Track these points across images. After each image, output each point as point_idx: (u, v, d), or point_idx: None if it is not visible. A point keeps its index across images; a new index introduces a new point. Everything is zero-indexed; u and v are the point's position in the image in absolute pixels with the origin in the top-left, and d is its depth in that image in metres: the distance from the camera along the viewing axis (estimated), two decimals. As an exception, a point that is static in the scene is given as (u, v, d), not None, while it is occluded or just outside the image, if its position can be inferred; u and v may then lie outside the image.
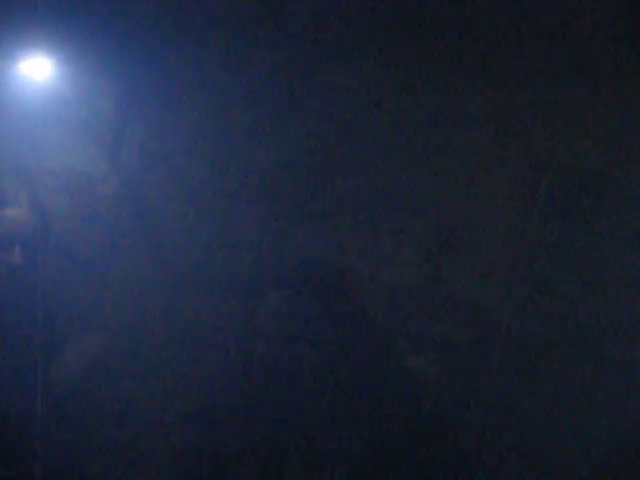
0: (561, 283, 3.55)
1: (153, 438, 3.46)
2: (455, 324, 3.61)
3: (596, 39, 3.57)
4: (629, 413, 3.41)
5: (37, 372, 3.46)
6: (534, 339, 3.54)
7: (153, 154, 3.60)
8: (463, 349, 3.58)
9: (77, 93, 3.53)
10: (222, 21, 3.55)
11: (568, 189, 3.56)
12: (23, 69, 3.50)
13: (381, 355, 3.58)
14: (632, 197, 3.52)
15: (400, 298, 3.62)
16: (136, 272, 3.58)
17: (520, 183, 3.61)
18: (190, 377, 3.54)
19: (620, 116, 3.52)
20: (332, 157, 3.63)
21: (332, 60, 3.60)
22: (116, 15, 3.51)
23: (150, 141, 3.60)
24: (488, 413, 3.53)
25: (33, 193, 3.55)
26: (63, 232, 3.56)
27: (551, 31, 3.58)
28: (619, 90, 3.51)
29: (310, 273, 3.59)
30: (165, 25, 3.50)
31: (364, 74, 3.61)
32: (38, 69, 3.49)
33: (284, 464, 3.41)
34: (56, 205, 3.55)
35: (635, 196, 3.52)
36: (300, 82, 3.61)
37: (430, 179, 3.63)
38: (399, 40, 3.58)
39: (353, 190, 3.63)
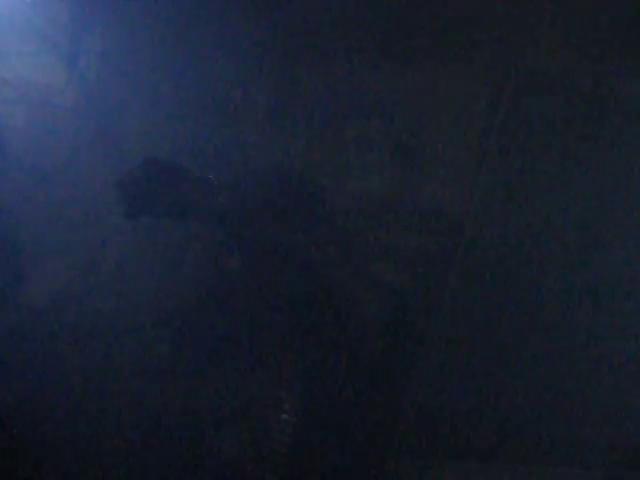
0: (528, 187, 3.57)
1: (126, 353, 3.44)
2: (423, 232, 3.62)
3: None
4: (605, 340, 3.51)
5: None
6: (502, 244, 3.57)
7: (113, 64, 3.46)
8: (431, 256, 3.60)
9: (30, -3, 3.37)
10: None
11: (532, 93, 3.54)
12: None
13: (348, 263, 3.59)
14: (598, 100, 3.55)
15: (366, 207, 3.61)
16: (97, 184, 3.48)
17: (483, 86, 3.59)
18: (156, 291, 3.51)
19: (585, 18, 3.52)
20: (293, 64, 3.56)
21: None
22: None
23: (110, 51, 3.46)
24: (457, 321, 3.58)
25: (-13, 105, 3.42)
26: (21, 145, 3.44)
27: None
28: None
29: (274, 182, 3.56)
30: None
31: None
32: (-15, -29, 3.31)
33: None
34: (13, 117, 3.42)
35: (601, 99, 3.54)
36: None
37: (391, 84, 3.59)
38: None
39: (312, 97, 3.58)
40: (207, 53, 3.50)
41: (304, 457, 3.45)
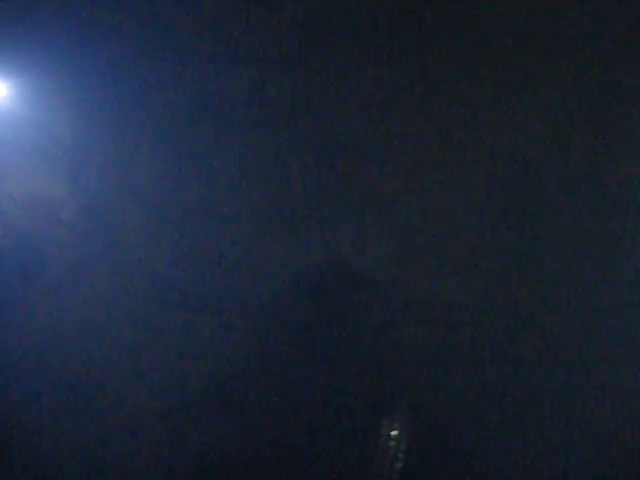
0: (525, 275, 3.63)
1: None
2: (428, 325, 3.66)
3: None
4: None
5: None
6: (505, 334, 3.63)
7: (111, 175, 3.58)
8: (436, 349, 3.64)
9: (34, 116, 3.48)
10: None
11: (521, 181, 3.65)
12: (-22, 91, 3.43)
13: (360, 357, 3.63)
14: (578, 186, 3.65)
15: (371, 300, 3.66)
16: (103, 294, 3.54)
17: (475, 179, 3.68)
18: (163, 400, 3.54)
19: (565, 108, 3.67)
20: (287, 163, 3.70)
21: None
22: (72, 38, 3.49)
23: (108, 162, 3.58)
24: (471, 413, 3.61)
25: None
26: (27, 258, 3.50)
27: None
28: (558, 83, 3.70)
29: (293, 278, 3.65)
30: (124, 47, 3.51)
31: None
32: (-6, 92, 3.44)
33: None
34: (19, 231, 3.49)
35: (582, 184, 3.66)
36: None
37: (391, 183, 3.70)
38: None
39: (315, 194, 3.69)
40: (202, 159, 3.64)
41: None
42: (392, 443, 3.47)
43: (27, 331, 3.46)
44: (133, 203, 3.58)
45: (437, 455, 3.50)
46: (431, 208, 3.66)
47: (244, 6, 3.63)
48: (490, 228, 3.64)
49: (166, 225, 3.60)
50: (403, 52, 3.65)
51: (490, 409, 3.53)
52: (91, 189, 3.57)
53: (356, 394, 3.53)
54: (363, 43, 3.66)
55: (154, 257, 3.57)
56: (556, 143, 3.65)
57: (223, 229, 3.62)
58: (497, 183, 3.66)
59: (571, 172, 3.65)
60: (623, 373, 3.54)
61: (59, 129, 3.54)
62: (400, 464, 3.46)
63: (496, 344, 3.59)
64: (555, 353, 3.58)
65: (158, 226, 3.59)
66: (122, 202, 3.57)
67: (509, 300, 3.60)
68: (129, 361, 3.51)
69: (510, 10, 3.64)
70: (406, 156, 3.67)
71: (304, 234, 3.63)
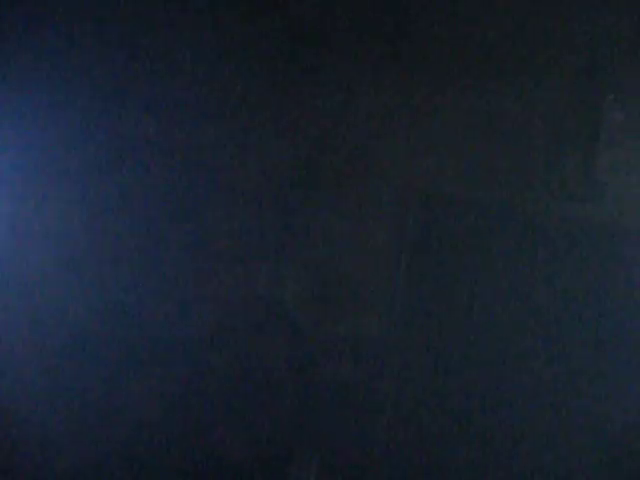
0: (440, 308, 3.63)
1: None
2: (346, 362, 3.65)
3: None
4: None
5: None
6: (423, 367, 3.62)
7: (23, 227, 3.50)
8: (357, 387, 3.62)
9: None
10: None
11: (435, 217, 3.65)
12: None
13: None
14: (497, 218, 3.65)
15: (288, 344, 3.65)
16: (18, 348, 3.47)
17: (388, 217, 3.69)
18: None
19: (476, 138, 3.69)
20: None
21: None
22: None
23: (17, 213, 3.50)
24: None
25: None
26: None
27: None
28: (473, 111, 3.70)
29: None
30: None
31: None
32: None
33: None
34: None
35: (501, 218, 3.65)
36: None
37: (310, 220, 3.70)
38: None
39: (233, 233, 3.66)
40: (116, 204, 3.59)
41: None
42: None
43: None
44: (47, 255, 3.50)
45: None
46: (349, 245, 3.65)
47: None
48: (410, 264, 3.63)
49: (82, 274, 3.53)
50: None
51: (416, 449, 3.51)
52: (2, 243, 3.49)
53: (277, 435, 3.51)
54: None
55: (70, 308, 3.50)
56: (480, 176, 3.65)
57: (143, 275, 3.57)
58: (414, 219, 3.65)
59: (495, 207, 3.63)
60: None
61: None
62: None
63: (419, 381, 3.57)
64: (482, 388, 3.56)
65: (74, 275, 3.52)
66: (35, 255, 3.50)
67: (432, 335, 3.59)
68: (52, 426, 3.43)
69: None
70: (322, 192, 3.66)
71: (222, 274, 3.59)
